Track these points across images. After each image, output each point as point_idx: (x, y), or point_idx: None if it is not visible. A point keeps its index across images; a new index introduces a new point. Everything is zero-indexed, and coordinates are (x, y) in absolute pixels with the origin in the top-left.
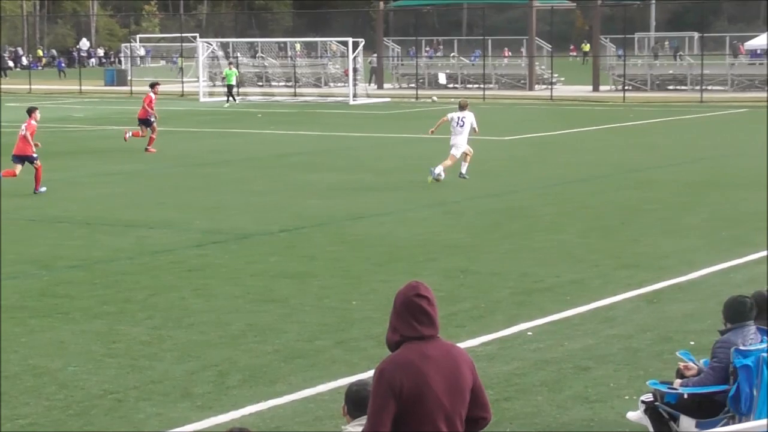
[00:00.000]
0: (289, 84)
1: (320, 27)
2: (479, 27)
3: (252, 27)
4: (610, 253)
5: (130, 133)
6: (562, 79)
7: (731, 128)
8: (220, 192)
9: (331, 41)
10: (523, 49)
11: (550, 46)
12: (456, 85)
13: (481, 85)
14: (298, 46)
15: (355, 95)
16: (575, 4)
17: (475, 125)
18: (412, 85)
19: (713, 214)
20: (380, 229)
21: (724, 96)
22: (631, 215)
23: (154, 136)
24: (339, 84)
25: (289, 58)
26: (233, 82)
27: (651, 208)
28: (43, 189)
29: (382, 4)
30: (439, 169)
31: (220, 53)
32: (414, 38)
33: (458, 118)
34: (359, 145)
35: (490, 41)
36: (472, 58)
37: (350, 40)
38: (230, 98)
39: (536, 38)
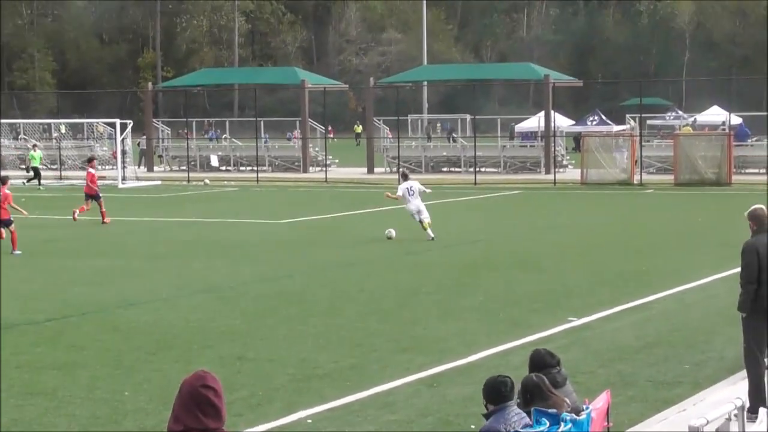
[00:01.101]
0: (54, 167)
1: (86, 108)
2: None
3: (13, 107)
4: (389, 336)
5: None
6: (337, 161)
7: (505, 210)
8: None
9: (97, 122)
10: (297, 131)
11: (323, 127)
12: (229, 168)
13: (255, 167)
14: (63, 128)
15: (124, 178)
16: (347, 86)
17: (423, 188)
18: (183, 167)
19: (489, 295)
20: (152, 315)
21: (498, 178)
22: (409, 298)
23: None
24: (107, 167)
25: (53, 140)
26: (38, 165)
27: (428, 291)
28: None
29: (150, 84)
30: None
31: None
32: (184, 119)
33: (408, 188)
34: (128, 230)
35: (262, 123)
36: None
37: (118, 121)
38: (39, 181)
39: (309, 120)
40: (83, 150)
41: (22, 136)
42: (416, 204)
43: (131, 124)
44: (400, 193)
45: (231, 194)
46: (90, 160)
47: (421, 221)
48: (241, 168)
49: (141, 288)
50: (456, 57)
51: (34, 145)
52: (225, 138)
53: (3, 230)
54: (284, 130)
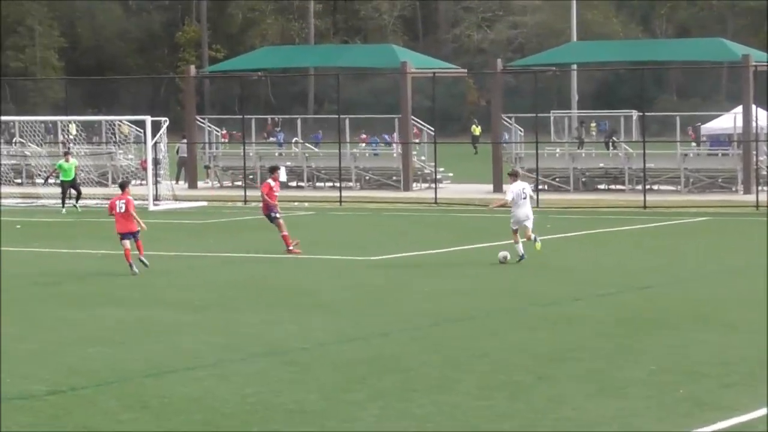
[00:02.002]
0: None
1: (104, 101)
2: (332, 101)
3: (5, 99)
4: (523, 419)
5: None
6: (450, 174)
7: (685, 244)
8: None
9: (121, 121)
10: (395, 134)
11: (431, 128)
12: (301, 183)
13: (337, 183)
14: (73, 127)
15: (156, 198)
16: (465, 70)
17: (532, 193)
18: (238, 182)
19: (662, 363)
20: (195, 387)
21: (676, 198)
22: (549, 366)
23: None
24: (134, 181)
25: (60, 145)
26: (71, 178)
27: (576, 356)
28: None
29: (193, 68)
30: (504, 254)
31: None
32: (240, 117)
33: (521, 190)
34: (161, 268)
35: (347, 121)
36: (315, 137)
37: (148, 119)
38: (69, 201)
39: (412, 117)
40: (101, 159)
41: (17, 138)
42: (525, 212)
43: (166, 123)
44: (510, 197)
45: (304, 220)
46: (273, 170)
47: (529, 237)
48: (319, 184)
49: (178, 349)
50: (617, 31)
51: (66, 153)
52: (295, 142)
53: (128, 242)
54: (377, 131)
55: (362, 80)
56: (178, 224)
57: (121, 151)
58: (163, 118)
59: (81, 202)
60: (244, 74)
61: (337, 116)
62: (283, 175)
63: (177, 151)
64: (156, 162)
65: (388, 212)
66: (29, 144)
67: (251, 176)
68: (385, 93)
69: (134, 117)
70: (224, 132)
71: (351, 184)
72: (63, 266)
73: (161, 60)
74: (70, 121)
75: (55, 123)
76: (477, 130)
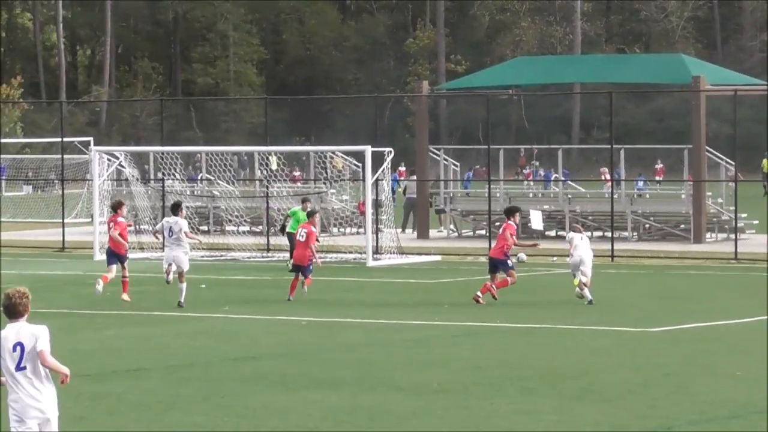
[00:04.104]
0: (258, 229)
1: (313, 127)
2: (603, 127)
3: (191, 126)
4: None
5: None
6: (755, 222)
7: None
8: None
9: (334, 152)
10: (684, 167)
11: (730, 163)
12: (562, 231)
13: (607, 233)
14: (273, 161)
15: (377, 250)
16: None
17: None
18: (481, 230)
19: None
20: None
21: None
22: None
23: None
24: (347, 229)
25: (257, 183)
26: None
27: None
28: None
29: (425, 85)
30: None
31: (132, 172)
32: (485, 147)
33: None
34: (379, 340)
35: (622, 152)
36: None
37: (368, 149)
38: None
39: (708, 149)
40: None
41: (203, 174)
42: (583, 253)
43: (391, 155)
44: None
45: (558, 279)
46: (511, 212)
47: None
48: (587, 233)
49: None
50: None
51: (305, 200)
52: (555, 179)
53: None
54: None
55: (642, 100)
56: (403, 285)
57: (333, 191)
58: (387, 149)
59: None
60: (490, 92)
61: (609, 146)
62: (538, 221)
63: (404, 191)
64: (377, 205)
65: (674, 270)
66: (218, 182)
67: (497, 223)
68: (671, 116)
69: (351, 147)
70: (483, 167)
71: (626, 234)
72: (260, 337)
73: (386, 74)
74: (270, 153)
75: (251, 155)
76: None
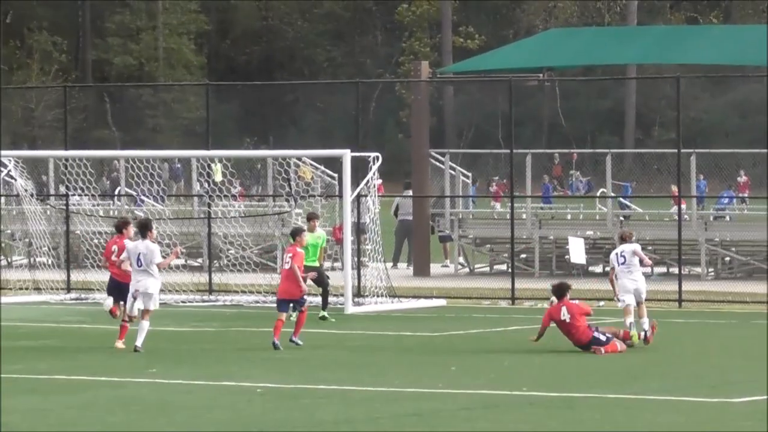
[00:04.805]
0: (197, 263)
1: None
2: (664, 124)
3: (105, 122)
4: None
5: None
6: None
7: None
8: None
9: (300, 158)
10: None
11: None
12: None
13: (673, 268)
14: (218, 171)
15: (359, 292)
16: None
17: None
18: (502, 265)
19: None
20: None
21: None
22: None
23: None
24: (326, 263)
25: (195, 200)
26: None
27: None
28: None
29: (425, 66)
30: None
31: (24, 185)
32: (507, 152)
33: (617, 254)
34: (365, 415)
35: (693, 159)
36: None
37: (347, 154)
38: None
39: None
40: (264, 226)
41: (122, 189)
42: (634, 281)
43: (378, 162)
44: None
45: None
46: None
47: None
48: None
49: None
50: None
51: (312, 217)
52: (602, 194)
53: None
54: (733, 174)
55: (721, 88)
56: (394, 339)
57: (299, 211)
58: (373, 154)
59: None
60: (513, 77)
61: (676, 150)
62: (579, 252)
63: (395, 211)
64: (359, 230)
65: (763, 320)
66: (142, 198)
67: (523, 255)
68: (760, 111)
69: (324, 152)
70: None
71: (698, 269)
72: (201, 411)
73: (371, 52)
74: (213, 160)
75: (187, 162)
76: None
